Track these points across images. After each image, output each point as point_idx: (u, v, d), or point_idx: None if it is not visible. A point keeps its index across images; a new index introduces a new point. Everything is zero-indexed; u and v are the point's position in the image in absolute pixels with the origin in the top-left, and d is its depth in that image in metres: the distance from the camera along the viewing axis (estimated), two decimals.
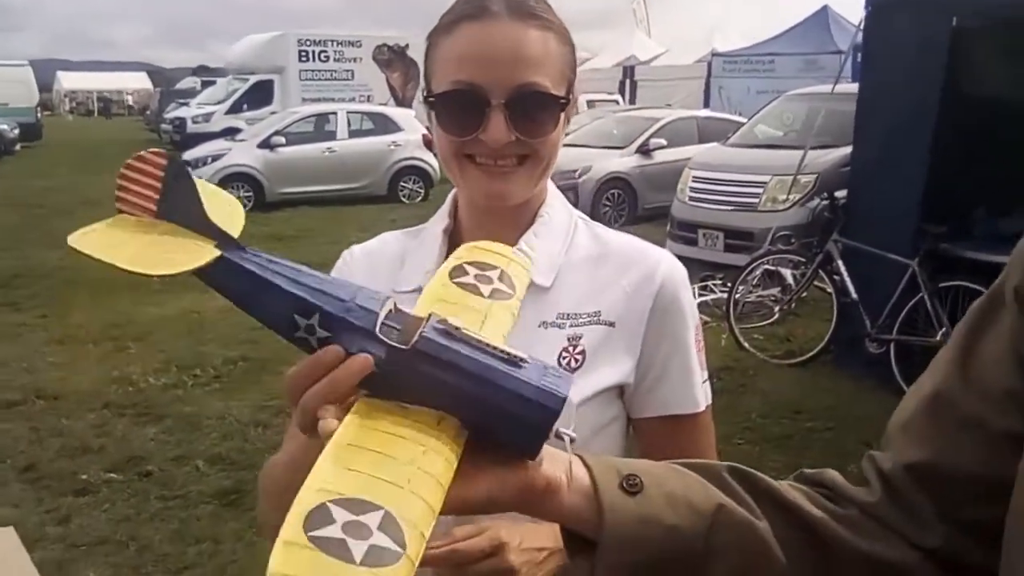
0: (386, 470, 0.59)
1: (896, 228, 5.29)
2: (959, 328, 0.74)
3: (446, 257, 1.12)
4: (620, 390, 1.08)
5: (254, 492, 4.08)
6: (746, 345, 6.18)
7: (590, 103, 18.70)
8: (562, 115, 1.05)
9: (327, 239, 9.61)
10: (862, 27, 5.80)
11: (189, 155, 14.01)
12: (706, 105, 18.27)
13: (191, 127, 22.06)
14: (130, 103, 60.76)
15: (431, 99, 1.04)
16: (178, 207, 0.78)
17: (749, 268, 6.56)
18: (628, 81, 23.10)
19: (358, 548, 0.52)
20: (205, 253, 0.75)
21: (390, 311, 0.70)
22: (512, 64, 1.00)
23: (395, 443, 0.62)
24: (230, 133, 16.86)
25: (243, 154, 13.68)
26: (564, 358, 1.05)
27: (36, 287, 8.20)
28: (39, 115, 28.31)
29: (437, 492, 0.60)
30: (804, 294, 6.41)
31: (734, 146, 9.79)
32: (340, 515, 0.54)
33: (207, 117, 22.13)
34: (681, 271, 1.14)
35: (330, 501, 0.54)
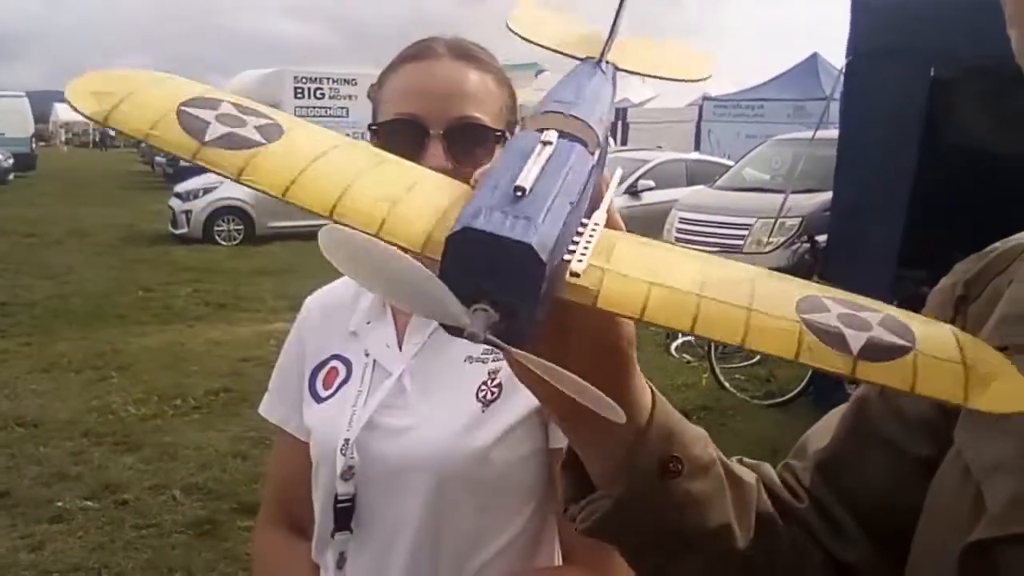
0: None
1: (875, 272, 5.35)
2: None
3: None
4: (541, 415, 1.09)
5: (229, 523, 4.10)
6: (727, 385, 6.20)
7: None
8: (498, 149, 1.09)
9: (315, 274, 9.59)
10: (843, 75, 5.93)
11: (181, 187, 14.09)
12: (697, 148, 18.47)
13: (184, 160, 22.17)
14: (124, 135, 60.85)
15: (374, 128, 1.09)
16: None
17: None
18: (620, 123, 23.34)
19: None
20: None
21: None
22: (451, 98, 1.06)
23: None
24: None
25: (235, 188, 13.71)
26: (482, 391, 1.08)
27: (22, 315, 8.19)
28: (34, 145, 28.42)
29: None
30: None
31: (721, 189, 9.91)
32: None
33: None
34: None
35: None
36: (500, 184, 0.50)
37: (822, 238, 6.01)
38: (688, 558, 0.66)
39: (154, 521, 4.06)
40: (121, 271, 10.76)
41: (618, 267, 0.51)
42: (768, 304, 0.48)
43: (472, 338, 0.45)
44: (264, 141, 0.56)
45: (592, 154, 0.57)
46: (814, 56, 18.98)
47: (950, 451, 0.64)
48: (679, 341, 7.46)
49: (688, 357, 7.12)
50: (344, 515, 1.11)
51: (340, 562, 1.12)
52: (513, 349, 0.46)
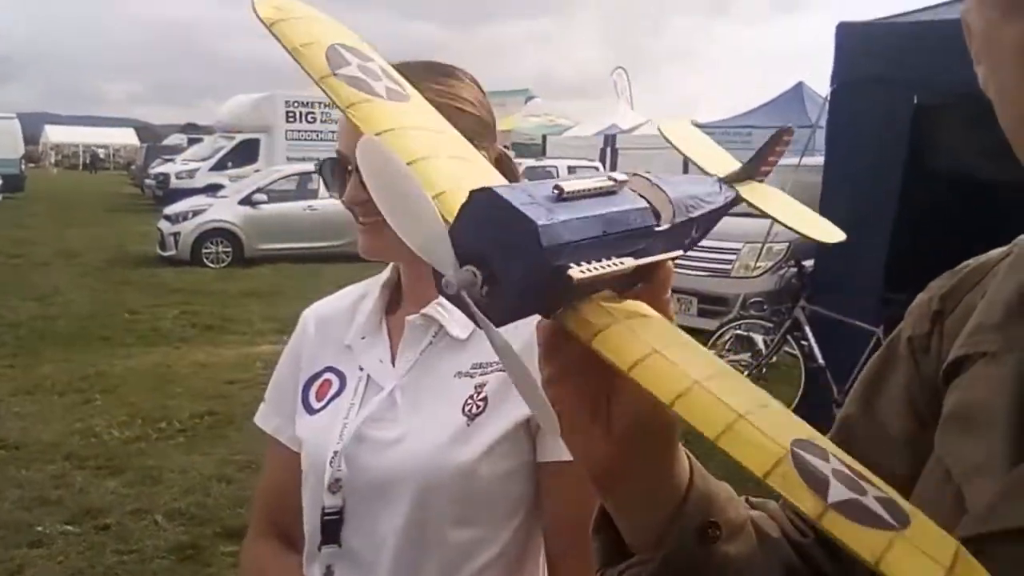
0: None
1: (861, 296, 5.38)
2: (862, 377, 0.78)
3: (384, 312, 1.21)
4: (528, 429, 1.10)
5: (212, 548, 4.05)
6: None
7: (571, 169, 18.99)
8: None
9: (303, 296, 9.53)
10: (828, 103, 5.99)
11: (170, 210, 14.08)
12: (685, 174, 18.55)
13: (174, 182, 22.18)
14: (115, 158, 60.84)
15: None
16: None
17: (719, 332, 6.62)
18: (609, 149, 23.48)
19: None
20: None
21: None
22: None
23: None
24: (213, 190, 16.95)
25: (224, 210, 13.75)
26: (468, 405, 1.09)
27: (7, 336, 8.13)
28: (23, 167, 28.37)
29: None
30: (774, 359, 6.46)
31: None
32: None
33: (191, 173, 22.26)
34: None
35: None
36: (546, 183, 0.51)
37: (809, 263, 6.04)
38: None
39: (135, 546, 4.01)
40: (108, 293, 10.71)
41: (632, 327, 0.51)
42: (763, 422, 0.48)
43: (446, 287, 0.47)
44: (384, 97, 0.62)
45: (658, 220, 0.58)
46: (799, 84, 19.18)
47: (931, 458, 0.65)
48: None
49: None
50: (331, 528, 1.11)
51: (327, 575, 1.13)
52: (478, 313, 0.47)
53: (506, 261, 0.47)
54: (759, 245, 7.97)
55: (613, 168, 21.10)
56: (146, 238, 14.82)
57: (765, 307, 7.06)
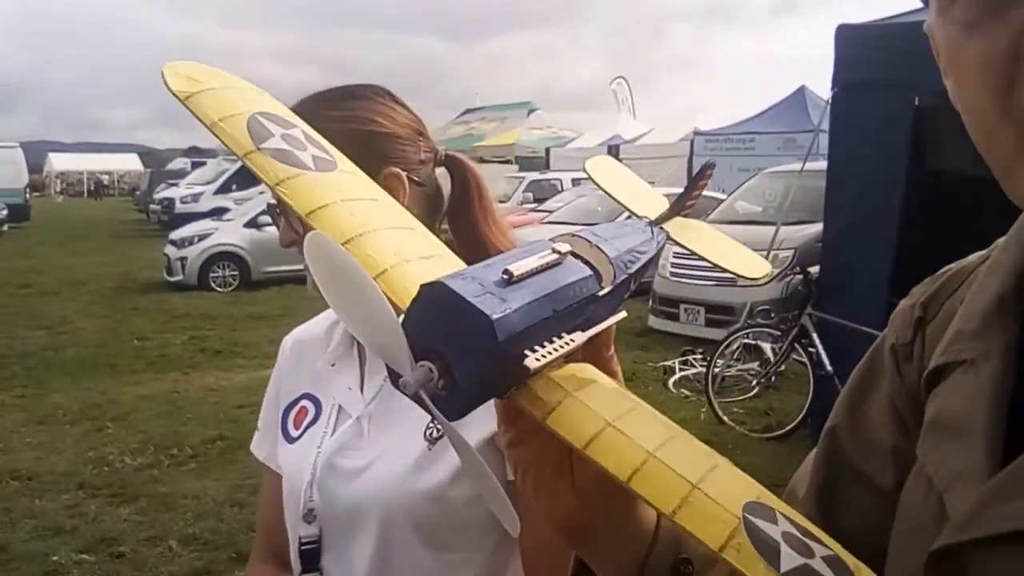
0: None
1: (867, 301, 5.35)
2: (847, 386, 0.78)
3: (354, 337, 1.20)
4: (495, 447, 1.07)
5: (226, 573, 4.04)
6: (725, 419, 6.18)
7: (575, 181, 19.01)
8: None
9: (310, 318, 9.47)
10: (829, 106, 5.99)
11: (175, 235, 14.11)
12: (688, 180, 18.53)
13: (179, 207, 22.27)
14: (120, 184, 61.11)
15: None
16: None
17: (727, 342, 6.61)
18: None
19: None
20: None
21: None
22: None
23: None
24: (218, 213, 17.01)
25: (230, 233, 13.78)
26: (428, 429, 1.08)
27: (16, 367, 8.15)
28: (28, 196, 28.50)
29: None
30: (782, 367, 6.45)
31: (714, 222, 9.91)
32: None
33: (196, 197, 22.36)
34: None
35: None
36: (494, 266, 0.51)
37: (815, 269, 6.03)
38: None
39: (151, 573, 4.02)
40: (116, 320, 10.73)
41: (585, 399, 0.51)
42: (717, 491, 0.48)
43: (404, 388, 0.46)
44: (312, 168, 0.59)
45: (600, 285, 0.58)
46: (802, 89, 19.15)
47: (914, 468, 0.65)
48: (676, 376, 7.45)
49: (686, 392, 7.10)
50: (310, 557, 1.12)
51: None
52: (437, 413, 0.46)
53: (462, 356, 0.47)
54: (764, 252, 7.96)
55: None
56: (153, 264, 14.87)
57: (772, 315, 7.04)
